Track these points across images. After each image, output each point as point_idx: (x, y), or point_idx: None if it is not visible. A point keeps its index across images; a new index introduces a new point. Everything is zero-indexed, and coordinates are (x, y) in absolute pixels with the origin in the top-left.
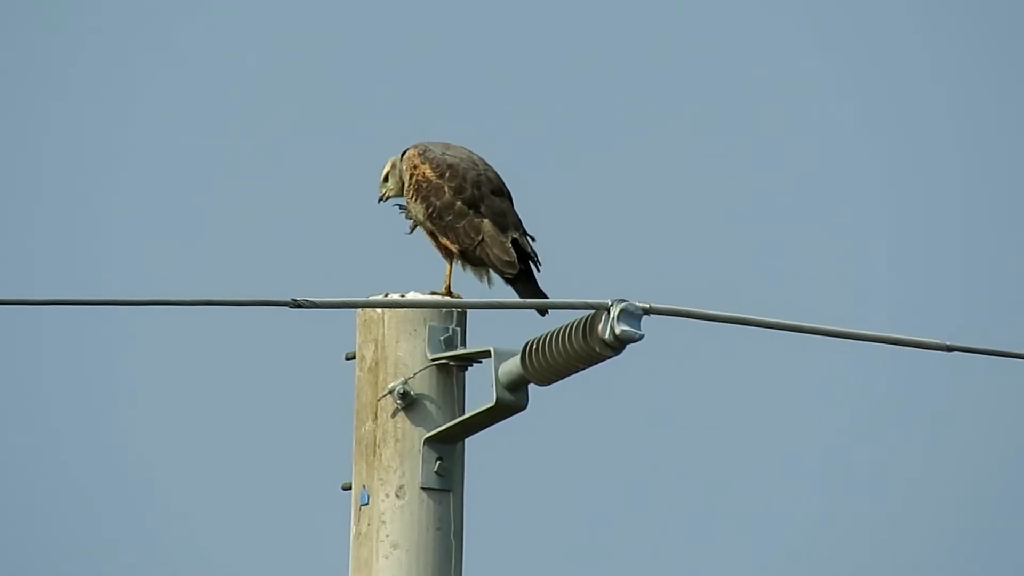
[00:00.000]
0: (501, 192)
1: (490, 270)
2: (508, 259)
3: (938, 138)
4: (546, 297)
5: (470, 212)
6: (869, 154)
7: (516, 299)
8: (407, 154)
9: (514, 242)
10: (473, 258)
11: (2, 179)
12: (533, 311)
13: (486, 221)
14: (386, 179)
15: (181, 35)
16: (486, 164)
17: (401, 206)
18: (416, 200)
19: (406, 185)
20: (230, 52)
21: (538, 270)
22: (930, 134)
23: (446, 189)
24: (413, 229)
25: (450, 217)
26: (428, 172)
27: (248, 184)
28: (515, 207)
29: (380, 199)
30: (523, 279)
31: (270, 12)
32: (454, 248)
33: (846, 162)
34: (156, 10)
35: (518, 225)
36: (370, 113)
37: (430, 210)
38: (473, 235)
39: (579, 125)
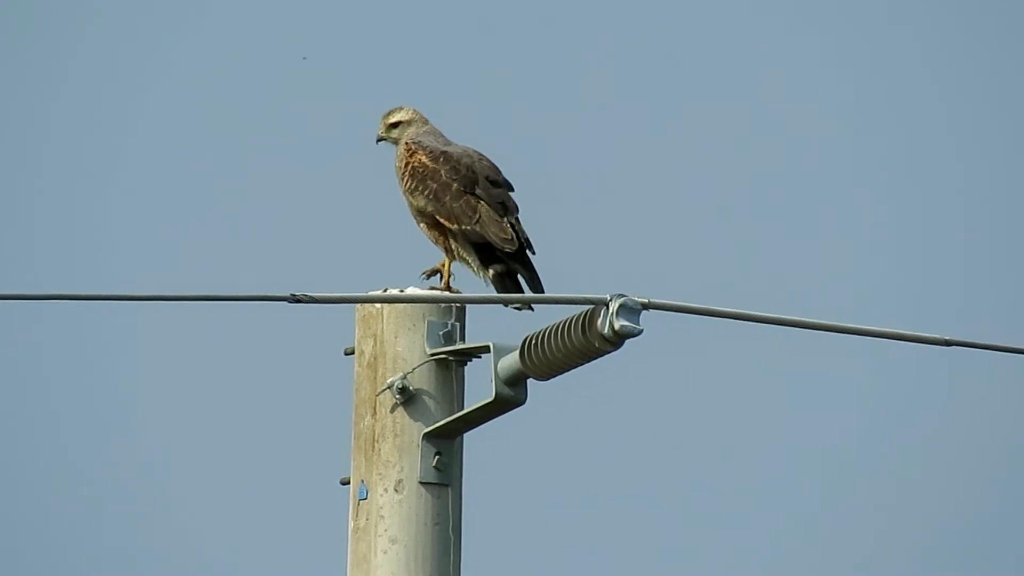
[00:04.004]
0: (498, 182)
1: (488, 268)
2: (505, 236)
3: (938, 135)
4: (540, 282)
5: (467, 194)
6: (868, 150)
7: (515, 294)
8: (401, 147)
9: (511, 224)
10: (474, 235)
11: (2, 176)
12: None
13: (482, 203)
14: (395, 125)
15: (180, 32)
16: (481, 155)
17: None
18: (412, 185)
19: (402, 175)
20: (229, 49)
21: (533, 254)
22: (930, 131)
23: (442, 172)
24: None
25: (447, 197)
26: (424, 158)
27: (247, 180)
28: (514, 198)
29: (378, 140)
30: (521, 260)
31: (271, 10)
32: (453, 227)
33: (845, 158)
34: (156, 8)
35: (515, 211)
36: (369, 110)
37: (427, 192)
38: (471, 214)
39: (579, 120)
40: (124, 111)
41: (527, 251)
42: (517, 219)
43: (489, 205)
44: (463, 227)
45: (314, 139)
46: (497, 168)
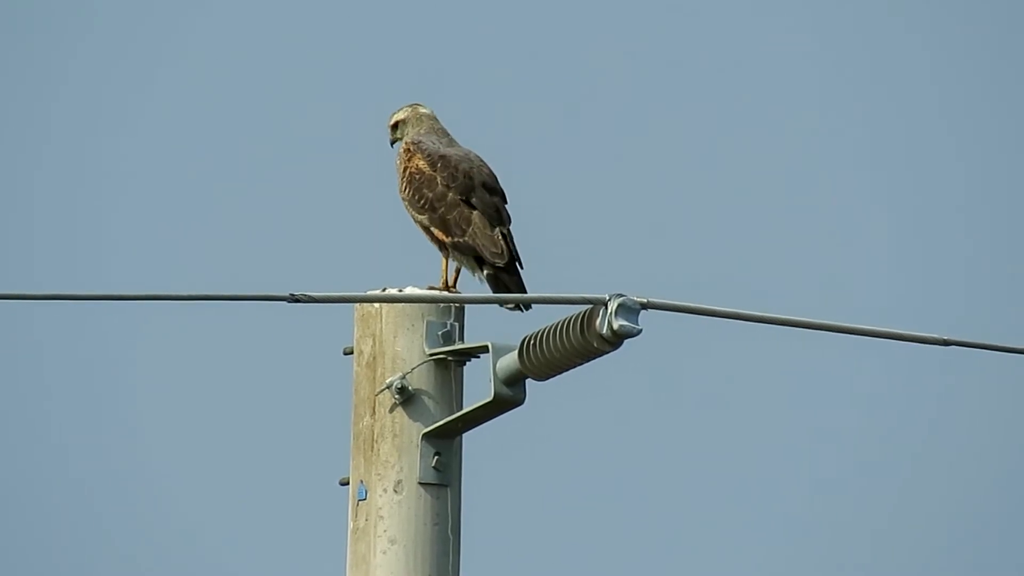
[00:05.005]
0: (494, 189)
1: (481, 268)
2: (496, 250)
3: (936, 133)
4: (525, 292)
5: (461, 203)
6: (867, 149)
7: (514, 294)
8: (400, 148)
9: (503, 236)
10: (464, 247)
11: (2, 176)
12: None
13: (476, 213)
14: (395, 127)
15: (180, 32)
16: (481, 160)
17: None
18: (409, 193)
19: (400, 178)
20: (229, 48)
21: (521, 267)
22: (928, 130)
23: (438, 180)
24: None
25: (442, 208)
26: (421, 164)
27: (247, 180)
28: (508, 207)
29: (392, 143)
30: (511, 272)
31: (270, 9)
32: (446, 239)
33: (844, 157)
34: (156, 8)
35: (508, 221)
36: (368, 109)
37: (422, 202)
38: (464, 226)
39: (578, 120)
40: (124, 111)
41: (517, 264)
42: (509, 231)
43: (483, 214)
44: (455, 239)
45: (314, 139)
46: (495, 176)
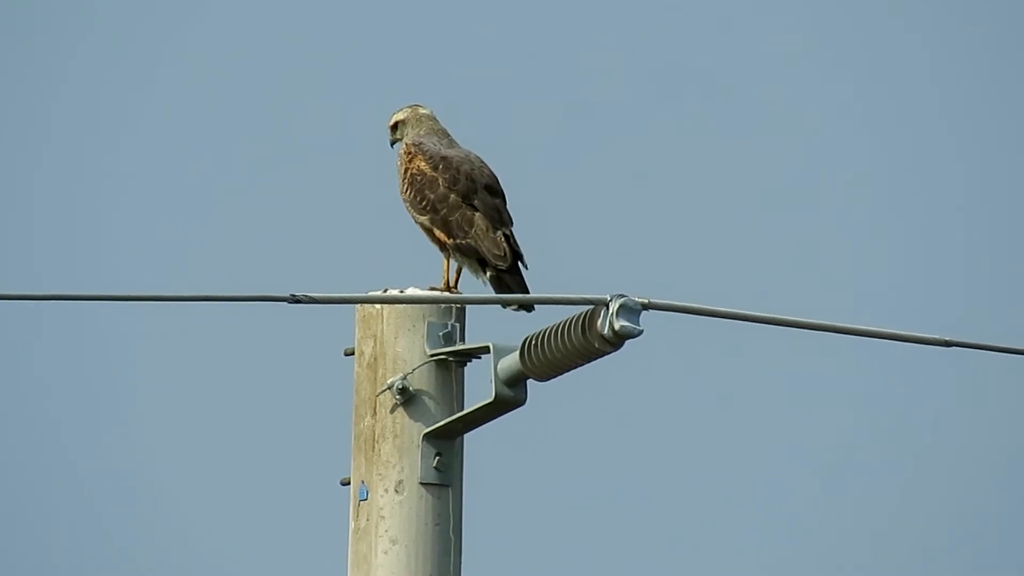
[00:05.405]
0: (495, 191)
1: (484, 269)
2: (498, 252)
3: (936, 134)
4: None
5: (463, 205)
6: (868, 149)
7: (515, 295)
8: (401, 149)
9: (506, 238)
10: (467, 249)
11: (2, 176)
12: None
13: (478, 215)
14: (395, 127)
15: (180, 32)
16: (482, 162)
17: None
18: (410, 194)
19: (401, 180)
20: (229, 49)
21: (525, 268)
22: (928, 130)
23: (440, 182)
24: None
25: (444, 210)
26: (423, 165)
27: (247, 180)
28: (508, 208)
29: (391, 143)
30: (514, 273)
31: (270, 9)
32: (448, 241)
33: (844, 157)
34: (157, 8)
35: (510, 223)
36: (368, 109)
37: (424, 203)
38: (466, 228)
39: (579, 120)
40: (124, 111)
41: (520, 264)
42: (511, 232)
43: (485, 216)
44: (457, 241)
45: (314, 139)
46: (496, 177)
